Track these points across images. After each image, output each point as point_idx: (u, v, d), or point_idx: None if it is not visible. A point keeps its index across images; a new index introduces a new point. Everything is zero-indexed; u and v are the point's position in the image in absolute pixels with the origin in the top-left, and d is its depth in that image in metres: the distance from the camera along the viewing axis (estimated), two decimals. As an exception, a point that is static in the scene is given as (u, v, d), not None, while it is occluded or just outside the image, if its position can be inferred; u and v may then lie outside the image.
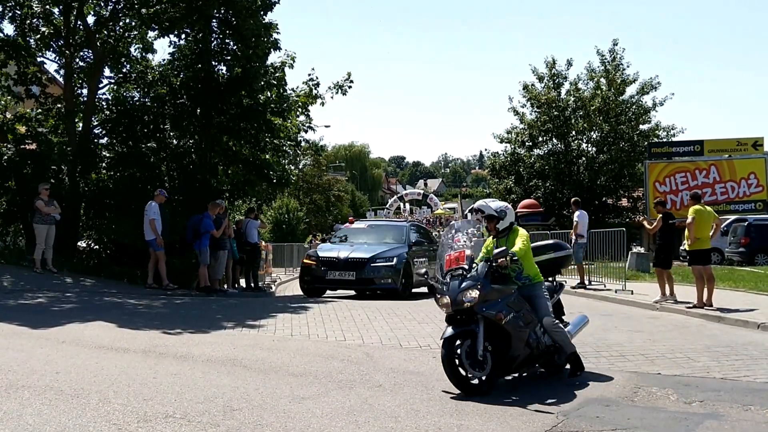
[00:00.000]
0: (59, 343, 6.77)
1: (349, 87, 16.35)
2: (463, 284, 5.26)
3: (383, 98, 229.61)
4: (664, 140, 28.00)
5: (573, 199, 14.99)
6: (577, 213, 14.03)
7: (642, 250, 17.64)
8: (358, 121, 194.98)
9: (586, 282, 14.10)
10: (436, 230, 58.70)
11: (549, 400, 5.06)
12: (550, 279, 6.31)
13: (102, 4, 15.36)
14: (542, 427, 4.40)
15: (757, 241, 21.89)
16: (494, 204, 5.89)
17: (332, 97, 16.49)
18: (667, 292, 11.06)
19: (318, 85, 16.32)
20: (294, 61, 16.15)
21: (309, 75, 16.31)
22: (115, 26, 15.24)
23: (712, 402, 5.09)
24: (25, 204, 13.36)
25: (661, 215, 11.30)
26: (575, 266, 14.51)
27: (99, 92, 15.52)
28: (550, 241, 6.96)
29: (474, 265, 5.46)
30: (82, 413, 4.34)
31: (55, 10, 14.91)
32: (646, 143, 27.25)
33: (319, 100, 16.25)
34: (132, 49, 16.04)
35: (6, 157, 14.14)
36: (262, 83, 15.55)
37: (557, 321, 5.81)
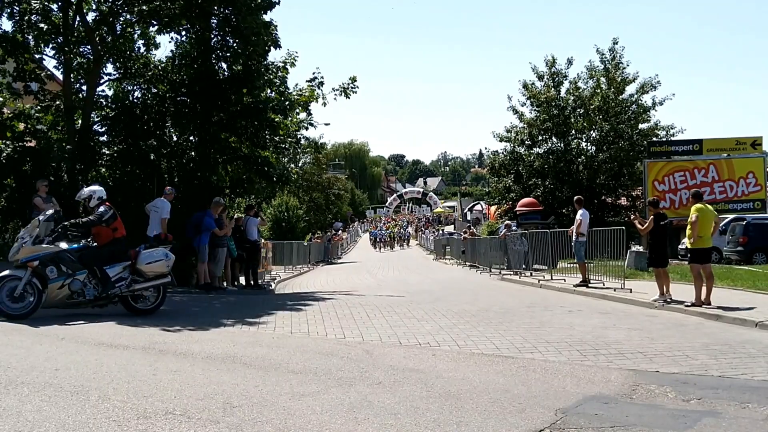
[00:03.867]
0: (59, 339, 6.78)
1: (354, 92, 16.17)
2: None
3: (383, 96, 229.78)
4: (664, 139, 28.01)
5: (576, 198, 14.99)
6: (579, 212, 14.04)
7: (641, 248, 17.64)
8: (358, 119, 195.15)
9: (589, 280, 14.10)
10: (435, 228, 58.71)
11: (548, 398, 5.07)
12: None
13: (101, 0, 15.32)
14: (541, 424, 4.40)
15: (755, 240, 21.96)
16: None
17: (335, 99, 16.32)
18: (665, 290, 11.08)
19: (322, 84, 16.18)
20: (296, 61, 16.07)
21: (313, 74, 16.20)
22: (115, 22, 15.19)
23: (710, 399, 5.11)
24: (23, 201, 13.32)
25: (652, 215, 11.30)
26: (577, 264, 14.52)
27: (98, 89, 15.48)
28: None
29: None
30: (82, 410, 4.35)
31: (54, 7, 14.84)
32: (645, 142, 27.26)
33: (321, 100, 16.13)
34: (133, 46, 15.98)
35: (5, 154, 14.10)
36: (263, 81, 15.51)
37: None
